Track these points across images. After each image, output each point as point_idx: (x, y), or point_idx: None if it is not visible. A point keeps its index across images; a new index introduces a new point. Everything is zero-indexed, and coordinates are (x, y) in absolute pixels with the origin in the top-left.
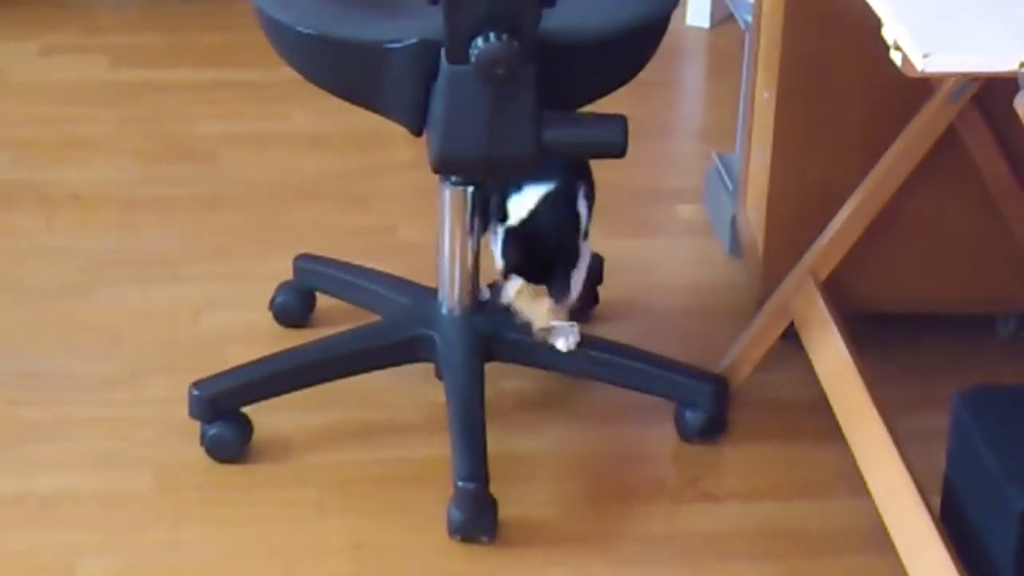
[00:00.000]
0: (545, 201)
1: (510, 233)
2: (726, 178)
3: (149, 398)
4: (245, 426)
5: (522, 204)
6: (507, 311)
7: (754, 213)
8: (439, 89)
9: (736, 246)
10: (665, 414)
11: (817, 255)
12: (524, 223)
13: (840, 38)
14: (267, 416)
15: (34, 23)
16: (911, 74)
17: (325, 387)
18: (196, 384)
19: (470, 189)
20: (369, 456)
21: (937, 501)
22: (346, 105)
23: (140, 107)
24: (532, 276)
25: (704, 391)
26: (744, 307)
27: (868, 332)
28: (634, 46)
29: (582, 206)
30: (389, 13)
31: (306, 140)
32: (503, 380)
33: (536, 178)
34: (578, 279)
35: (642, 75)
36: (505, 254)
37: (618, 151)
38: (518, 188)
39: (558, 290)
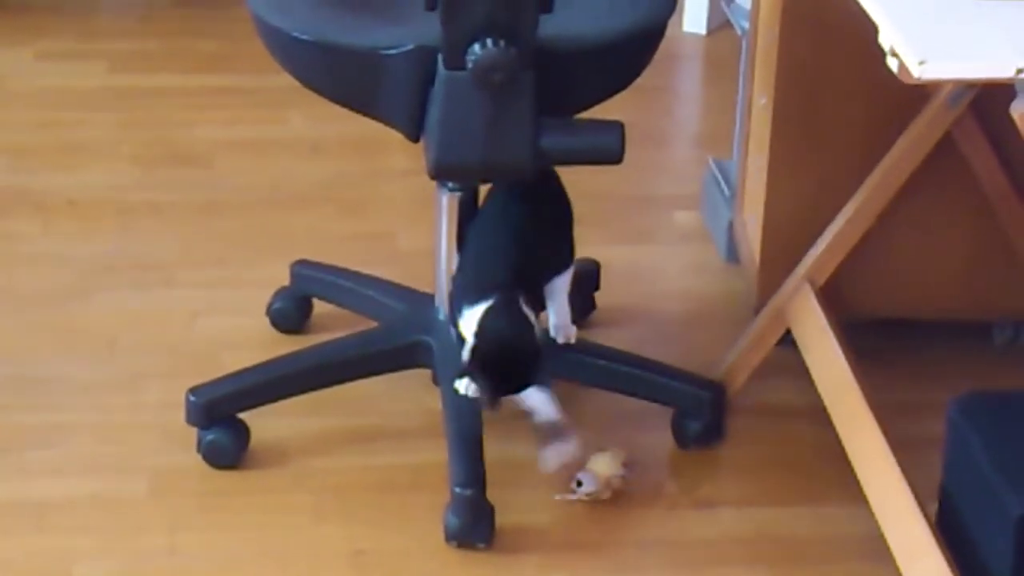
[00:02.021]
0: (487, 316)
1: (472, 365)
2: (723, 184)
3: (145, 404)
4: (242, 432)
5: (469, 326)
6: None
7: (751, 219)
8: (436, 95)
9: (733, 252)
10: (662, 421)
11: (814, 261)
12: (476, 350)
13: (837, 44)
14: (264, 422)
15: (31, 28)
16: (907, 81)
17: (322, 393)
18: (193, 390)
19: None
20: (366, 462)
21: (934, 508)
22: (344, 111)
23: (137, 112)
24: (513, 390)
25: (701, 398)
26: (741, 314)
27: (865, 339)
28: (631, 52)
29: (527, 309)
30: (386, 19)
31: (303, 146)
32: None
33: (473, 300)
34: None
35: (639, 81)
36: (480, 384)
37: (615, 157)
38: (459, 311)
39: (543, 382)
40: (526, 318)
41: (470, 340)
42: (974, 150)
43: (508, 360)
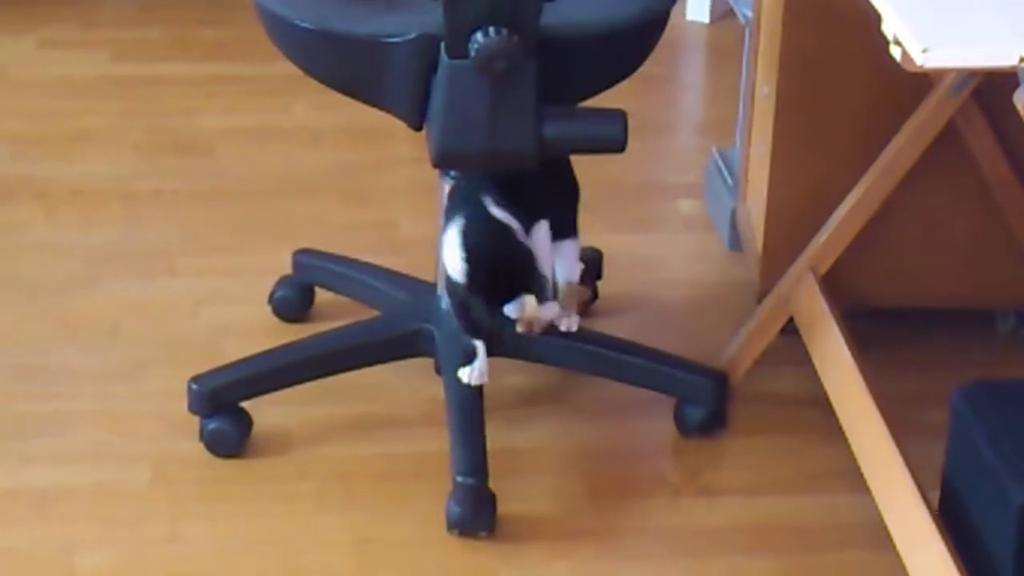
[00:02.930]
0: (466, 237)
1: (471, 285)
2: (726, 173)
3: (148, 392)
4: (244, 420)
5: (452, 260)
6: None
7: (754, 208)
8: (439, 84)
9: (736, 241)
10: (665, 409)
11: (817, 250)
12: (470, 268)
13: (840, 33)
14: (267, 410)
15: (33, 17)
16: (910, 69)
17: (325, 382)
18: (195, 379)
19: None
20: (369, 451)
21: (936, 496)
22: (346, 99)
23: (139, 101)
24: (513, 292)
25: (704, 386)
26: (744, 302)
27: (868, 327)
28: (634, 41)
29: (496, 211)
30: (389, 7)
31: (306, 134)
32: (502, 375)
33: (446, 225)
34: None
35: (642, 70)
36: (481, 303)
37: (618, 146)
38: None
39: (542, 289)
40: (500, 221)
41: (461, 264)
42: (977, 138)
43: (502, 261)
